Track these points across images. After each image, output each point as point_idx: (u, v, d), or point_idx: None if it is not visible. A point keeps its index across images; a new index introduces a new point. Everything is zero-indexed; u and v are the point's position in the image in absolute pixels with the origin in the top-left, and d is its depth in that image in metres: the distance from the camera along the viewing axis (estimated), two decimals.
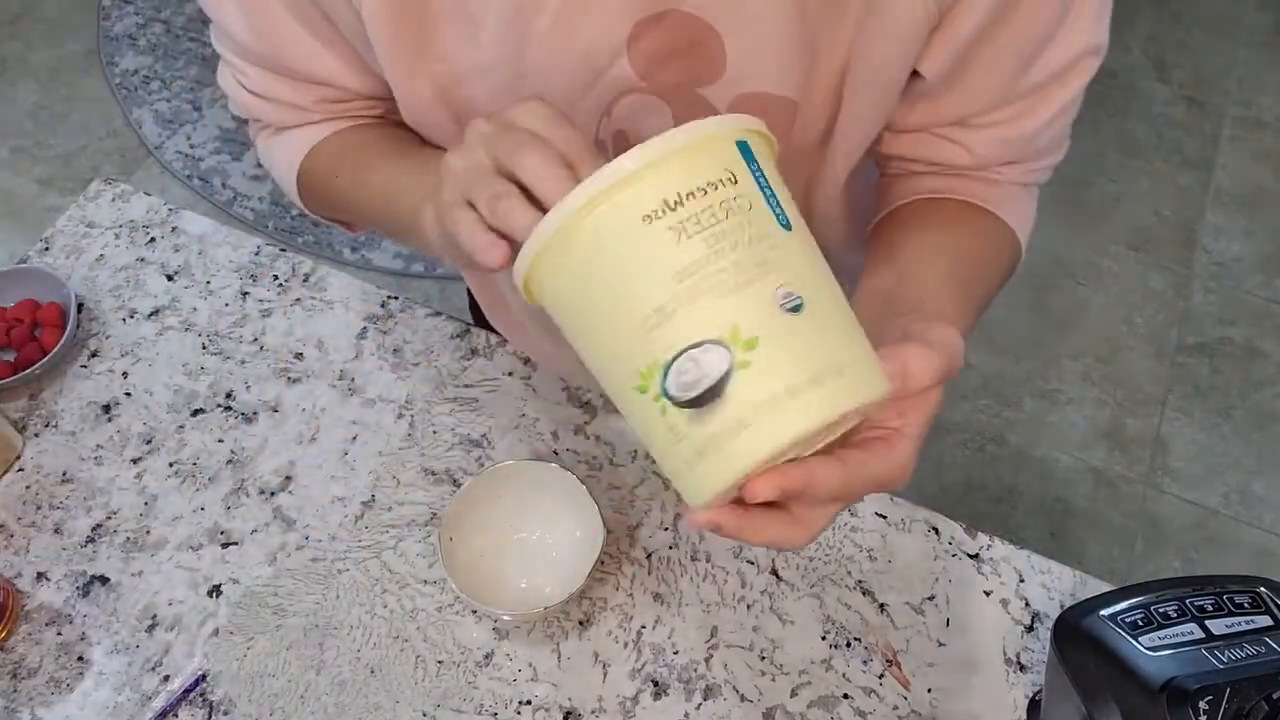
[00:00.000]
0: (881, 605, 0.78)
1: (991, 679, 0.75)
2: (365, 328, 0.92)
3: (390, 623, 0.77)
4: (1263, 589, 0.62)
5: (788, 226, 0.42)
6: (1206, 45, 2.46)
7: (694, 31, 0.56)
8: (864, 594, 0.79)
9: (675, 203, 0.40)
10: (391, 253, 2.08)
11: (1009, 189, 0.67)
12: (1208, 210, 2.19)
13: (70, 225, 0.98)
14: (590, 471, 0.84)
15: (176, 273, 0.95)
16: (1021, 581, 0.80)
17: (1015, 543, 0.82)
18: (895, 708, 0.74)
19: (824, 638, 0.77)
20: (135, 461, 0.84)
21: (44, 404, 0.87)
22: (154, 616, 0.77)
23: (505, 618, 0.73)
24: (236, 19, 0.63)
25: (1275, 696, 0.57)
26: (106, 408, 0.87)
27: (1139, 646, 0.60)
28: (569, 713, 0.74)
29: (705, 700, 0.74)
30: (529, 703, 0.74)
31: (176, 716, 0.73)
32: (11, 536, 0.81)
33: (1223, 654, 0.59)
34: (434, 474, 0.84)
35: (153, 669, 0.75)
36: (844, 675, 0.75)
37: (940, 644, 0.77)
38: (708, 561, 0.80)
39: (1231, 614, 0.61)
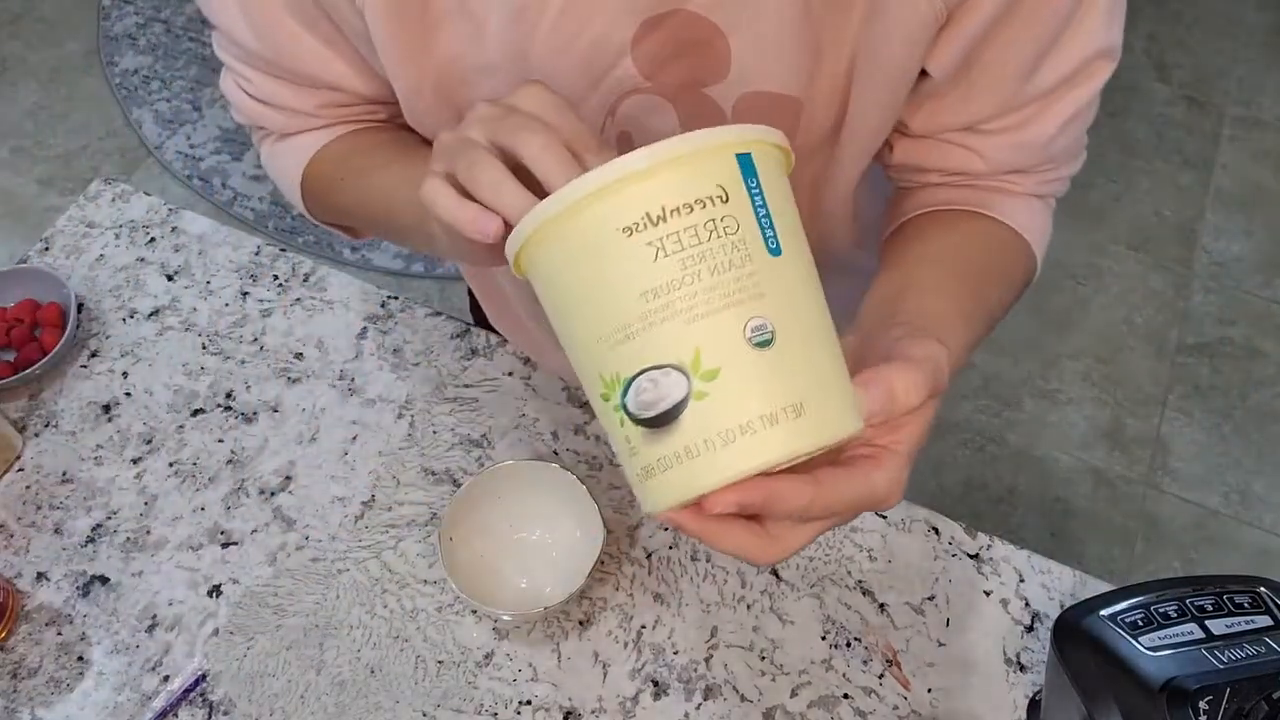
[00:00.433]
0: (881, 605, 0.78)
1: (991, 679, 0.75)
2: (365, 328, 0.92)
3: (390, 623, 0.77)
4: (1263, 589, 0.62)
5: (777, 251, 0.40)
6: (1206, 45, 2.46)
7: (698, 31, 0.56)
8: (864, 594, 0.79)
9: (658, 218, 0.39)
10: (391, 253, 2.08)
11: (1023, 200, 0.67)
12: (1208, 210, 2.19)
13: (70, 225, 0.98)
14: (590, 471, 0.84)
15: (176, 273, 0.95)
16: (1021, 581, 0.80)
17: (1015, 543, 0.82)
18: (895, 708, 0.74)
19: (824, 638, 0.77)
20: (135, 461, 0.84)
21: (44, 404, 0.87)
22: (154, 616, 0.77)
23: (505, 618, 0.73)
24: (239, 23, 0.63)
25: (1275, 696, 0.57)
26: (106, 408, 0.87)
27: (1139, 646, 0.60)
28: (569, 713, 0.74)
29: (705, 700, 0.74)
30: (529, 703, 0.74)
31: (176, 716, 0.73)
32: (11, 536, 0.81)
33: (1223, 654, 0.59)
34: (434, 474, 0.84)
35: (153, 669, 0.75)
36: (844, 675, 0.75)
37: (940, 644, 0.77)
38: (708, 561, 0.80)
39: (1231, 614, 0.61)
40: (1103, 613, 0.63)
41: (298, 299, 0.93)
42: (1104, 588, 0.72)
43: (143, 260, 0.96)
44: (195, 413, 0.87)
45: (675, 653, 0.76)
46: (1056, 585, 0.79)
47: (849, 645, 0.77)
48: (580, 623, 0.77)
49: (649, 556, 0.80)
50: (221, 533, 0.81)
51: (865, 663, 0.76)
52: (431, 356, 0.90)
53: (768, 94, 0.59)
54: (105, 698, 0.74)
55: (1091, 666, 0.61)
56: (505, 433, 0.85)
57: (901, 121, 0.63)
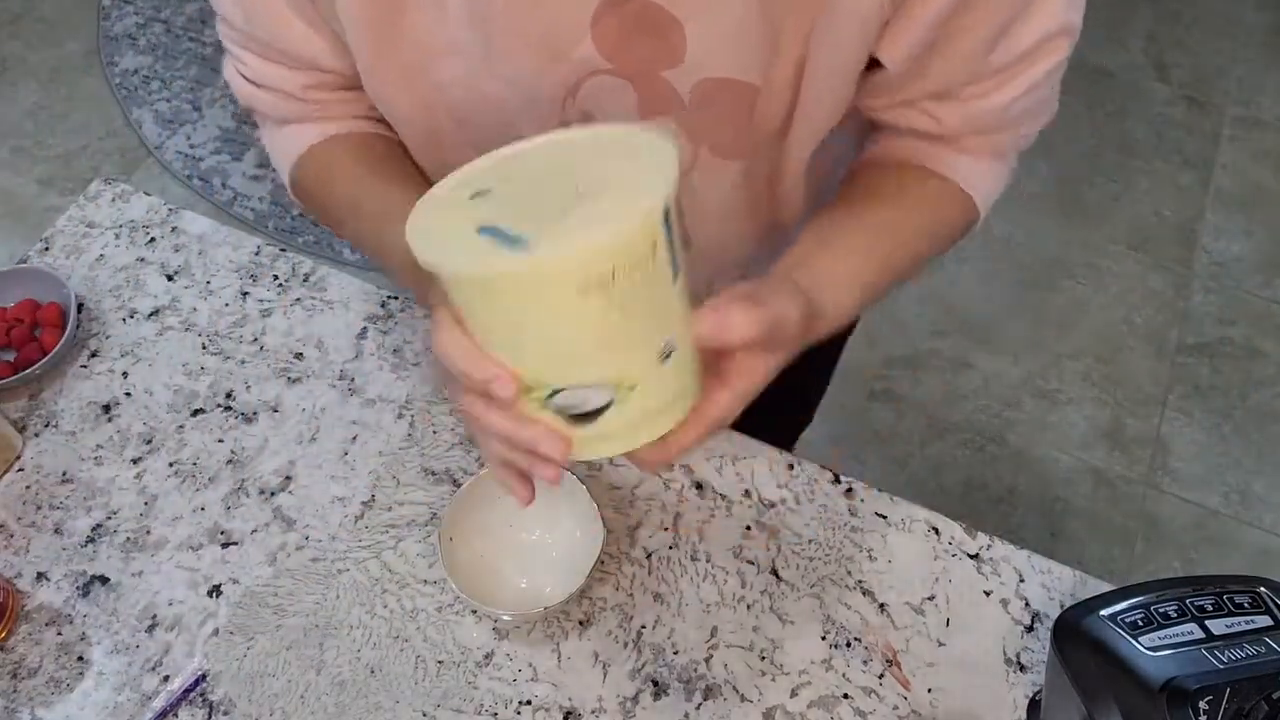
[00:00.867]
0: (881, 605, 0.78)
1: (991, 679, 0.75)
2: (365, 328, 0.92)
3: (390, 623, 0.77)
4: (1263, 589, 0.62)
5: (676, 273, 0.46)
6: (1206, 45, 2.46)
7: (654, 17, 0.57)
8: (864, 594, 0.79)
9: (607, 282, 0.43)
10: None
11: (974, 159, 0.68)
12: (1208, 210, 2.19)
13: (70, 225, 0.98)
14: (590, 471, 0.83)
15: (176, 273, 0.95)
16: (1021, 581, 0.80)
17: (1015, 543, 0.82)
18: (895, 708, 0.74)
19: (824, 638, 0.77)
20: (135, 461, 0.84)
21: (44, 404, 0.87)
22: (154, 616, 0.77)
23: (505, 618, 0.73)
24: (230, 3, 0.66)
25: (1275, 696, 0.57)
26: (106, 408, 0.87)
27: (1139, 646, 0.60)
28: (569, 713, 0.74)
29: (705, 700, 0.74)
30: (529, 703, 0.74)
31: (176, 716, 0.73)
32: (11, 536, 0.81)
33: (1223, 654, 0.59)
34: (434, 474, 0.84)
35: (153, 669, 0.75)
36: (844, 675, 0.75)
37: (940, 644, 0.77)
38: (708, 561, 0.80)
39: (1231, 614, 0.61)
40: (1103, 613, 0.63)
41: (298, 299, 0.93)
42: (1104, 588, 0.72)
43: (143, 260, 0.96)
44: (195, 413, 0.87)
45: (675, 653, 0.76)
46: (1056, 585, 0.79)
47: (849, 645, 0.77)
48: (580, 623, 0.77)
49: (649, 556, 0.80)
50: (221, 533, 0.81)
51: (865, 663, 0.76)
52: (431, 356, 0.90)
53: (725, 80, 0.60)
54: (105, 698, 0.74)
55: (1091, 666, 0.61)
56: None
57: (857, 101, 0.65)
